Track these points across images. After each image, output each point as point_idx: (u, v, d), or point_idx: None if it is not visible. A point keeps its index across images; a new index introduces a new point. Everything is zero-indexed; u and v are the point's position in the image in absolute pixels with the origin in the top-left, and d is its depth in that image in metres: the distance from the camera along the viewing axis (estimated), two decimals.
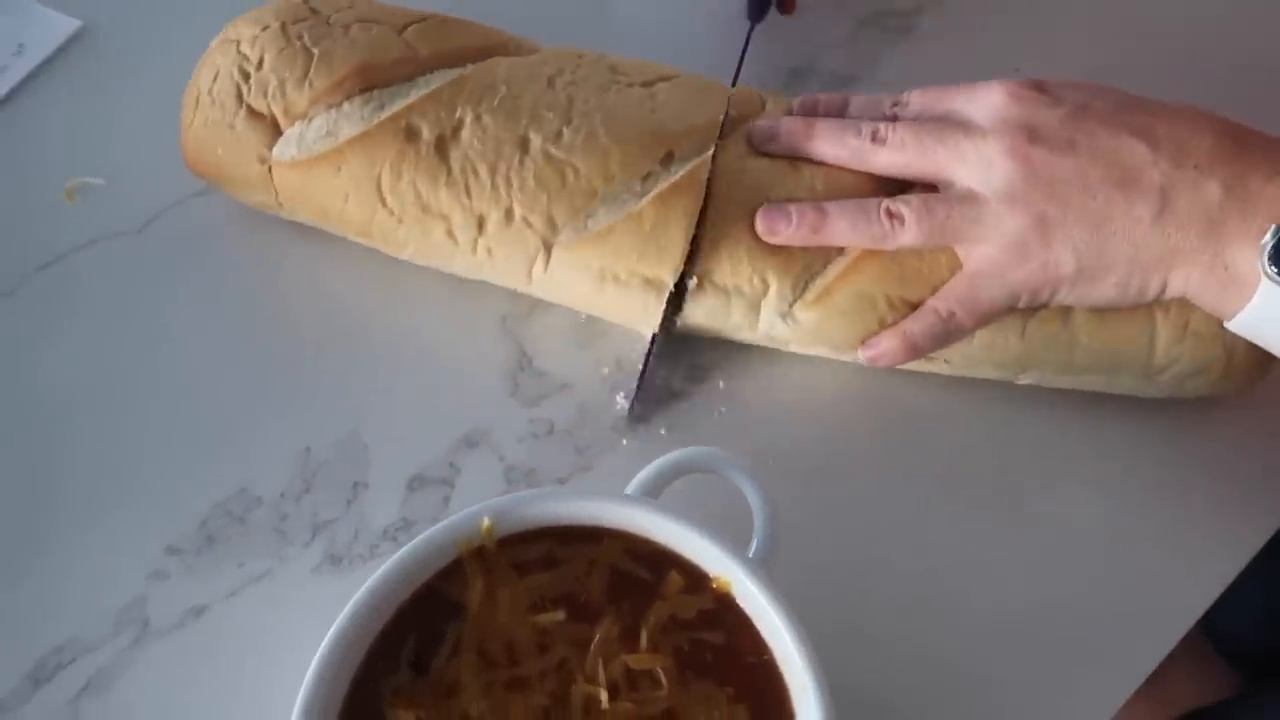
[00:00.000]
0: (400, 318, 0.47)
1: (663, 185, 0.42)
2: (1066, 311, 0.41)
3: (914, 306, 0.42)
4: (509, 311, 0.47)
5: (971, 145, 0.40)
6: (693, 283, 0.42)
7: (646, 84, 0.45)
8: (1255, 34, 0.58)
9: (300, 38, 0.45)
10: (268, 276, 0.48)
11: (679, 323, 0.44)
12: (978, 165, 0.40)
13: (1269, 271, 0.35)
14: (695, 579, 0.35)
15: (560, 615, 0.34)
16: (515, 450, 0.44)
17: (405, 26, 0.46)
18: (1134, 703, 0.40)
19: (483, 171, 0.42)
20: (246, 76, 0.44)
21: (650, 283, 0.42)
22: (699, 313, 0.43)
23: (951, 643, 0.40)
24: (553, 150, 0.43)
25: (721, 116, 0.45)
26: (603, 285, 0.43)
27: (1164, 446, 0.44)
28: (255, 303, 0.47)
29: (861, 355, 0.42)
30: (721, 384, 0.46)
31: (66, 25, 0.54)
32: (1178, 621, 0.41)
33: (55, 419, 0.44)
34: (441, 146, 0.43)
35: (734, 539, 0.35)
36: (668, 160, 0.43)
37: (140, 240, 0.49)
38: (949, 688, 0.40)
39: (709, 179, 0.43)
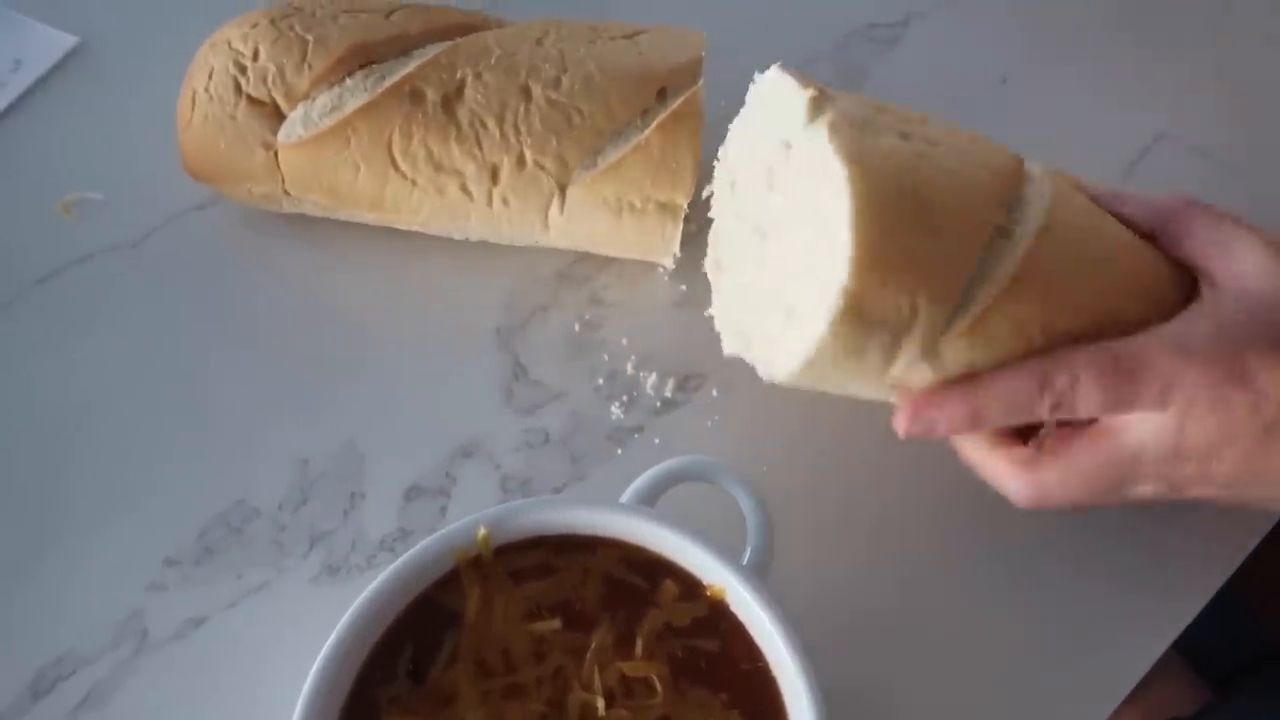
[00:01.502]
0: (396, 329, 0.47)
1: (663, 115, 0.44)
2: None
3: (1070, 337, 0.35)
4: (503, 322, 0.47)
5: (1150, 462, 0.35)
6: (833, 310, 0.33)
7: (628, 36, 0.48)
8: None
9: (292, 28, 0.46)
10: (264, 289, 0.48)
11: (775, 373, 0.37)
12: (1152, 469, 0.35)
13: None
14: (690, 587, 0.35)
15: (556, 623, 0.35)
16: (511, 460, 0.44)
17: (390, 12, 0.47)
18: (1118, 713, 0.40)
19: (490, 123, 0.44)
20: (243, 69, 0.46)
21: (665, 207, 0.45)
22: (832, 346, 0.34)
23: (943, 650, 0.41)
24: (554, 96, 0.45)
25: (702, 53, 0.47)
26: (619, 218, 0.45)
27: None
28: (252, 315, 0.48)
29: (900, 424, 0.35)
30: (715, 393, 0.46)
31: (64, 42, 0.55)
32: (1162, 635, 0.41)
33: (53, 432, 0.45)
34: (448, 104, 0.44)
35: (728, 547, 0.35)
36: (662, 96, 0.45)
37: (137, 254, 0.49)
38: (941, 695, 0.40)
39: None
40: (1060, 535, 0.43)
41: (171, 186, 0.50)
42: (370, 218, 0.47)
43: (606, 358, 0.47)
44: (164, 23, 0.56)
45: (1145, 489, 0.36)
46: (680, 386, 0.46)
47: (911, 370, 0.34)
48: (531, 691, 0.34)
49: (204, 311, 0.48)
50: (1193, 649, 0.60)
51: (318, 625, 0.34)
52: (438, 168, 0.45)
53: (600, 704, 0.33)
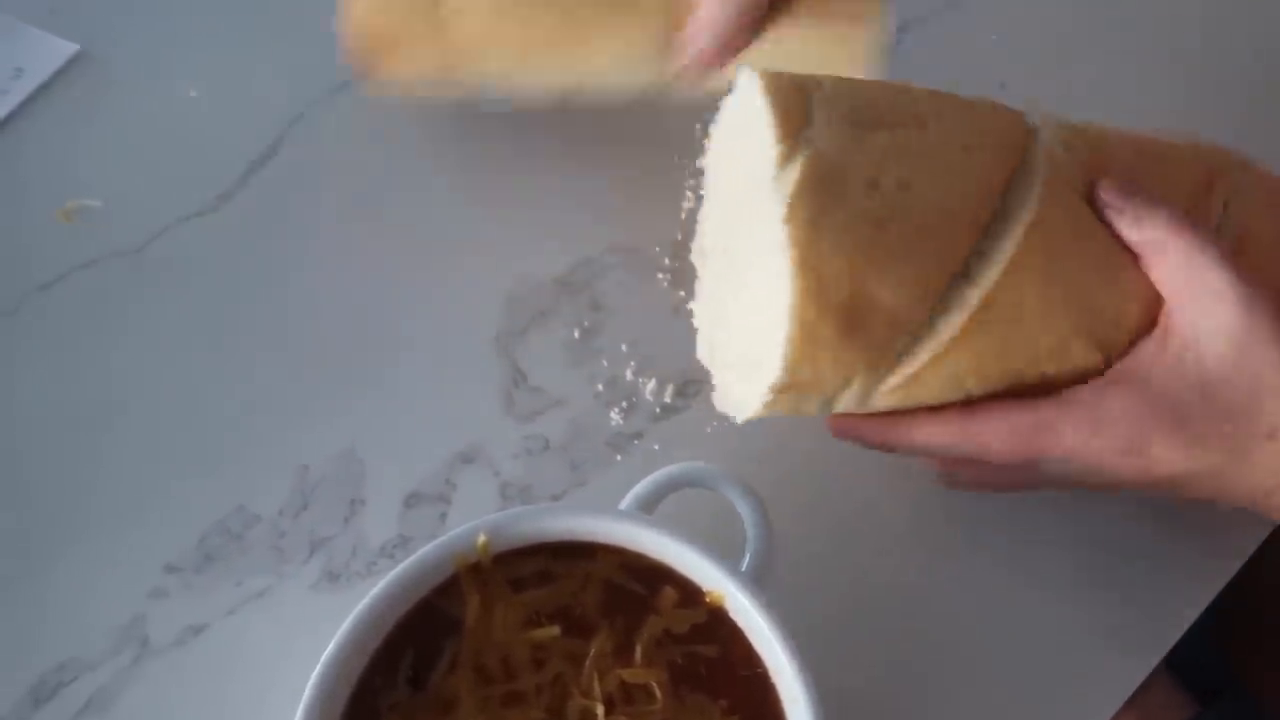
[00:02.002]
0: (396, 335, 0.47)
1: None
2: None
3: (1006, 378, 0.35)
4: (503, 329, 0.48)
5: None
6: (768, 386, 0.35)
7: None
8: (1237, 36, 0.59)
9: None
10: (264, 295, 0.48)
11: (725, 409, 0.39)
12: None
13: None
14: (689, 593, 0.35)
15: (556, 630, 0.35)
16: (511, 466, 0.44)
17: None
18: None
19: None
20: None
21: None
22: (768, 411, 0.36)
23: (941, 658, 0.41)
24: None
25: None
26: None
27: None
28: (252, 321, 0.48)
29: (829, 428, 0.38)
30: (714, 399, 0.46)
31: (65, 49, 0.55)
32: (1156, 647, 0.41)
33: (54, 437, 0.45)
34: None
35: (727, 553, 0.35)
36: None
37: (138, 260, 0.49)
38: (939, 701, 0.40)
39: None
40: (1059, 546, 0.43)
41: (173, 193, 0.51)
42: (527, 81, 0.45)
43: (606, 364, 0.47)
44: (165, 31, 0.56)
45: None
46: (680, 392, 0.46)
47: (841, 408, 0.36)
48: (531, 698, 0.34)
49: (204, 318, 0.48)
50: (1177, 660, 0.61)
51: (318, 632, 0.34)
52: None
53: (600, 710, 0.34)
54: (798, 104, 0.35)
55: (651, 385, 0.46)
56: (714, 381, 0.41)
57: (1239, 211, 0.39)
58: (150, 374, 0.46)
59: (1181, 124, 0.54)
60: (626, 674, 0.34)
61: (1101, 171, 0.37)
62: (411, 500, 0.43)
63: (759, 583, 0.35)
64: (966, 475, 0.39)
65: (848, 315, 0.34)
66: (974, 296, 0.35)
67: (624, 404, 0.46)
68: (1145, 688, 0.41)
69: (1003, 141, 0.37)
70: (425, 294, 0.48)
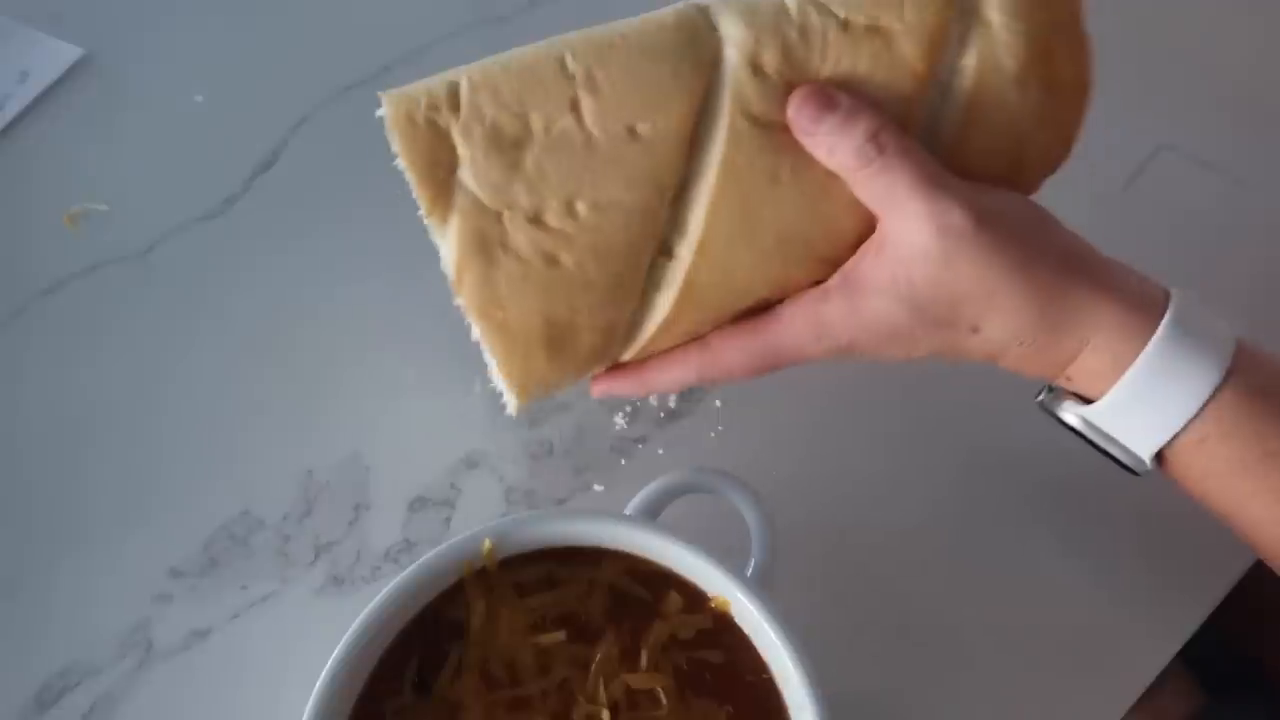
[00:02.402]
0: (401, 340, 0.47)
1: None
2: None
3: (734, 318, 0.36)
4: None
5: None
6: None
7: None
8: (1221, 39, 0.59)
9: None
10: (269, 299, 0.48)
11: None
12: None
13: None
14: (694, 599, 0.35)
15: (561, 635, 0.35)
16: (515, 471, 0.44)
17: None
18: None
19: None
20: None
21: None
22: (526, 404, 0.36)
23: (949, 661, 0.41)
24: None
25: None
26: None
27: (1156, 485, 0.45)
28: (256, 325, 0.48)
29: (596, 390, 0.38)
30: (718, 404, 0.46)
31: (69, 54, 0.55)
32: (1168, 643, 0.41)
33: (58, 443, 0.45)
34: None
35: (732, 558, 0.35)
36: None
37: (143, 265, 0.49)
38: (947, 705, 0.40)
39: None
40: (1068, 545, 0.43)
41: (177, 197, 0.51)
42: None
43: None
44: (170, 36, 0.56)
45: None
46: (684, 397, 0.46)
47: None
48: (537, 704, 0.34)
49: (209, 321, 0.48)
50: (1189, 654, 0.61)
51: (323, 637, 0.34)
52: None
53: (605, 716, 0.33)
54: (435, 140, 0.33)
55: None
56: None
57: (961, 85, 0.36)
58: (155, 378, 0.46)
59: (1187, 129, 0.55)
60: (632, 679, 0.34)
61: (796, 65, 0.35)
62: (416, 505, 0.43)
63: (764, 588, 0.35)
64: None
65: (550, 343, 0.34)
66: (678, 275, 0.34)
67: (628, 408, 0.46)
68: (1158, 683, 0.41)
69: (680, 90, 0.34)
70: (430, 298, 0.48)
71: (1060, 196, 0.51)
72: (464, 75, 0.33)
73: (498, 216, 0.33)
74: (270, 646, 0.40)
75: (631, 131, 0.33)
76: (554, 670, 0.34)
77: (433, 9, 0.58)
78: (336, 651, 0.33)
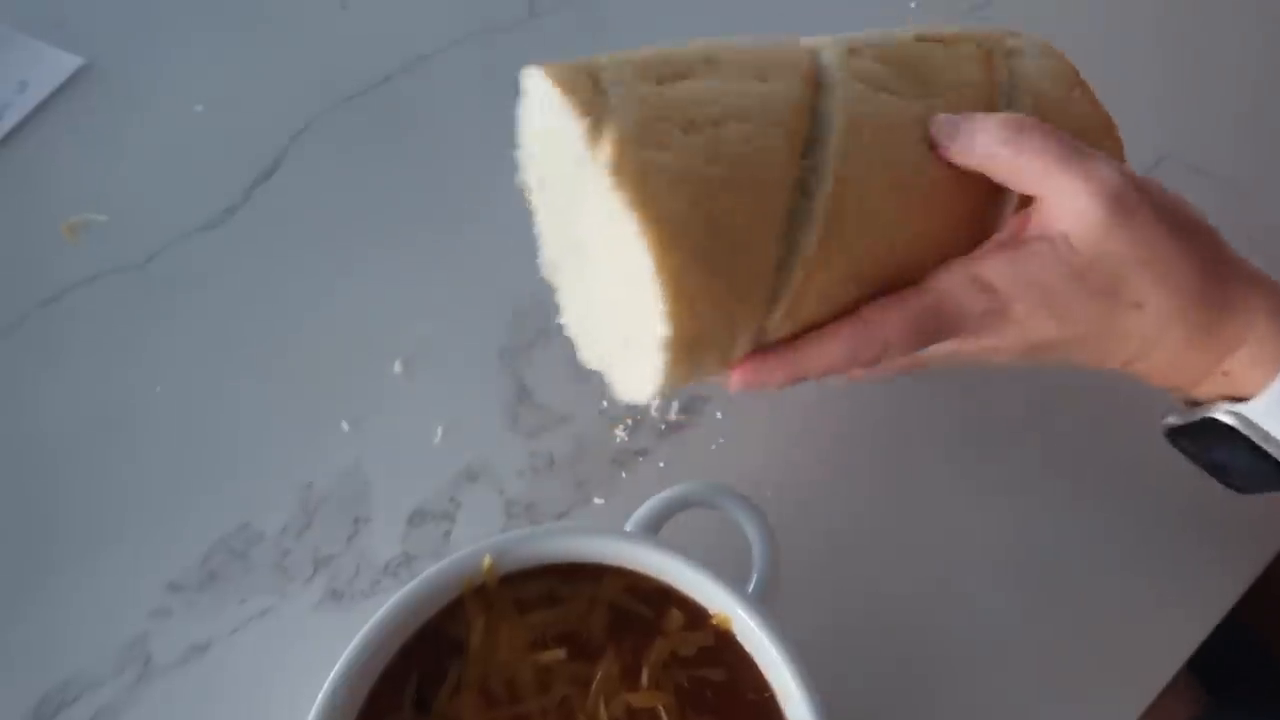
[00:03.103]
0: (401, 351, 0.47)
1: None
2: None
3: (885, 276, 0.36)
4: (508, 344, 0.47)
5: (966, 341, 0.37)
6: (660, 348, 0.34)
7: None
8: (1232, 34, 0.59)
9: None
10: (269, 309, 0.48)
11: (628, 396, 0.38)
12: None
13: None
14: (695, 616, 0.35)
15: (561, 653, 0.34)
16: (515, 484, 0.44)
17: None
18: None
19: None
20: None
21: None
22: (673, 380, 0.35)
23: (953, 676, 0.41)
24: None
25: None
26: None
27: (1159, 487, 0.45)
28: (256, 337, 0.48)
29: (732, 387, 0.36)
30: (719, 415, 0.46)
31: (69, 63, 0.55)
32: (1178, 651, 0.41)
33: (57, 454, 0.45)
34: None
35: (734, 573, 0.35)
36: None
37: (142, 275, 0.49)
38: None
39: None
40: (1072, 555, 0.43)
41: (177, 208, 0.51)
42: None
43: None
44: (169, 45, 0.56)
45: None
46: (685, 409, 0.46)
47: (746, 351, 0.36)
48: None
49: (209, 332, 0.48)
50: (1193, 655, 0.61)
51: (321, 652, 0.34)
52: None
53: None
54: (587, 81, 0.34)
55: (657, 402, 0.46)
56: (610, 379, 0.39)
57: (1023, 77, 0.40)
58: (154, 390, 0.46)
59: (1188, 139, 0.55)
60: (633, 698, 0.34)
61: (895, 69, 0.38)
62: (416, 518, 0.43)
63: (766, 605, 0.35)
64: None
65: (708, 253, 0.33)
66: (818, 208, 0.35)
67: (629, 421, 0.46)
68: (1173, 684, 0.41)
69: (790, 61, 0.37)
70: (430, 310, 0.48)
71: None
72: (599, 56, 0.36)
73: (653, 121, 0.34)
74: (269, 661, 0.40)
75: (761, 77, 0.36)
76: (554, 688, 0.34)
77: (433, 19, 0.58)
78: (336, 668, 0.33)
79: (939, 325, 0.35)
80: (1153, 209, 0.34)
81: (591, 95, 0.34)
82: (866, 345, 0.35)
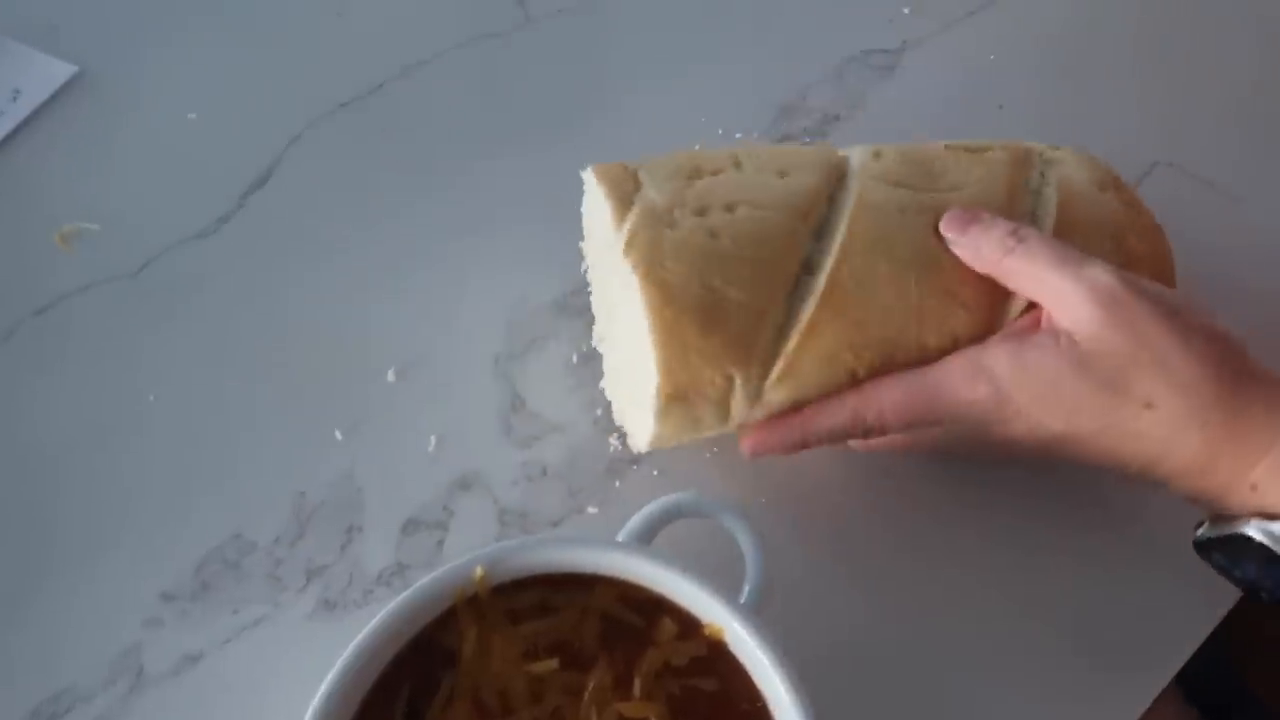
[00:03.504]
0: (394, 360, 0.47)
1: None
2: None
3: (880, 346, 0.39)
4: (502, 353, 0.47)
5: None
6: (651, 405, 0.38)
7: None
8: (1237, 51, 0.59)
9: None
10: (262, 320, 0.48)
11: (637, 446, 0.42)
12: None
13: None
14: (688, 625, 0.35)
15: (554, 663, 0.34)
16: (509, 493, 0.44)
17: None
18: None
19: None
20: None
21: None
22: (668, 428, 0.39)
23: (946, 687, 0.41)
24: None
25: None
26: None
27: (1148, 513, 0.45)
28: (249, 345, 0.48)
29: (745, 451, 0.40)
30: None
31: (63, 71, 0.55)
32: (1163, 670, 0.41)
33: (49, 464, 0.44)
34: None
35: (726, 583, 0.35)
36: None
37: (135, 284, 0.49)
38: None
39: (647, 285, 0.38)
40: (1063, 570, 0.43)
41: (169, 216, 0.51)
42: None
43: (604, 388, 0.46)
44: (163, 53, 0.56)
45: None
46: None
47: (747, 417, 0.39)
48: None
49: (202, 341, 0.48)
50: (1185, 676, 0.61)
51: (314, 662, 0.33)
52: None
53: None
54: (625, 176, 0.41)
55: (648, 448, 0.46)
56: (628, 433, 0.44)
57: (1055, 178, 0.43)
58: (147, 399, 0.46)
59: (1183, 145, 0.55)
60: (625, 708, 0.34)
61: (913, 167, 0.42)
62: (409, 527, 0.43)
63: (758, 615, 0.35)
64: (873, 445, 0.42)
65: (703, 311, 0.37)
66: (819, 281, 0.39)
67: (623, 429, 0.45)
68: (1153, 704, 0.41)
69: (816, 160, 0.42)
70: (423, 318, 0.48)
71: None
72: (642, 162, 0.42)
73: (669, 209, 0.39)
74: (261, 672, 0.40)
75: (782, 173, 0.41)
76: (546, 698, 0.34)
77: (427, 26, 0.58)
78: (327, 681, 0.33)
79: (934, 404, 0.37)
80: (1152, 308, 0.35)
81: (625, 186, 0.40)
82: (865, 411, 0.38)
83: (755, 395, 0.38)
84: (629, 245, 0.38)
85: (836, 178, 0.41)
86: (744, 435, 0.40)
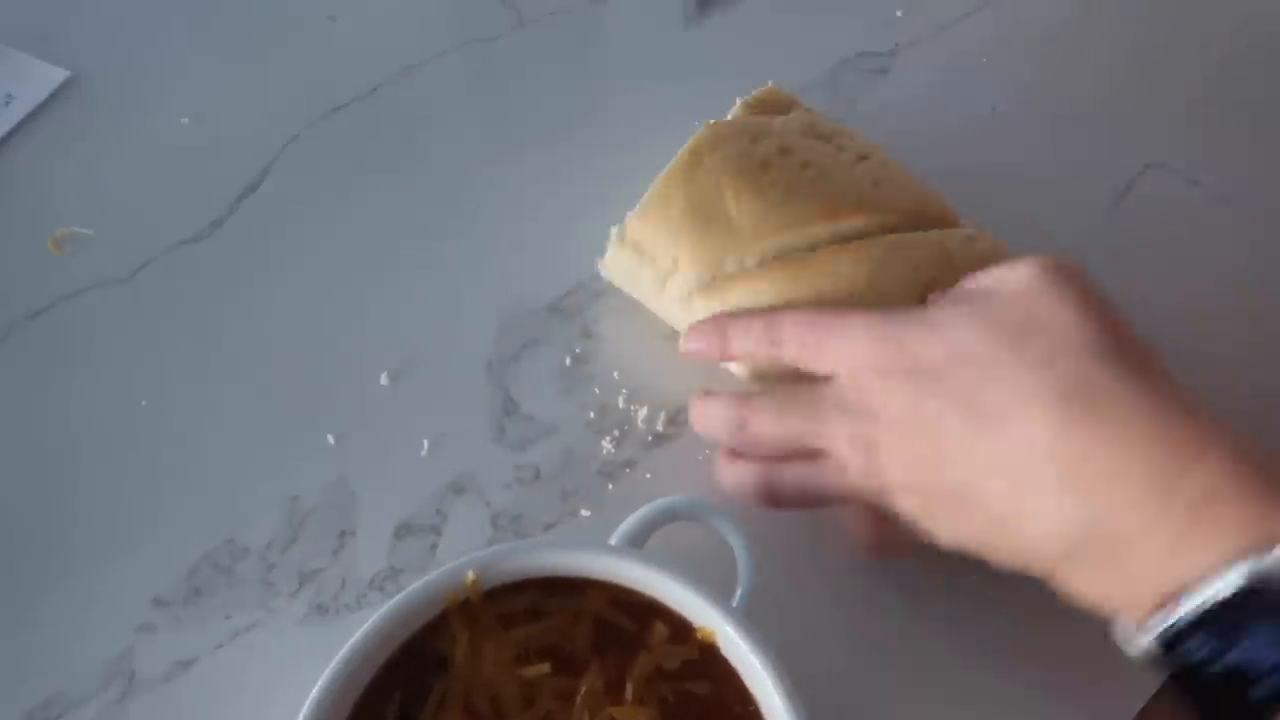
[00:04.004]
0: (387, 364, 0.47)
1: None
2: None
3: None
4: (495, 356, 0.47)
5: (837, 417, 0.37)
6: (615, 230, 0.45)
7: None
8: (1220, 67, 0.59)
9: None
10: (255, 324, 0.48)
11: (600, 269, 0.48)
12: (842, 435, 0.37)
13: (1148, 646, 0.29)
14: (680, 629, 0.35)
15: (545, 668, 0.34)
16: (502, 496, 0.44)
17: None
18: None
19: None
20: None
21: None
22: (616, 263, 0.46)
23: (938, 691, 0.41)
24: None
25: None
26: None
27: None
28: (242, 350, 0.47)
29: (682, 345, 0.43)
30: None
31: (55, 76, 0.55)
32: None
33: (41, 469, 0.44)
34: None
35: (718, 587, 0.35)
36: None
37: (129, 288, 0.49)
38: None
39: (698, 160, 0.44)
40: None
41: (163, 221, 0.51)
42: None
43: (598, 391, 0.47)
44: (156, 58, 0.56)
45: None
46: (672, 420, 0.46)
47: (677, 318, 0.45)
48: None
49: (195, 346, 0.48)
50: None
51: (307, 666, 0.33)
52: None
53: None
54: (781, 99, 0.48)
55: (644, 413, 0.46)
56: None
57: None
58: (139, 403, 0.46)
59: (1175, 147, 0.55)
60: (617, 712, 0.34)
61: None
62: (401, 531, 0.43)
63: (751, 618, 0.35)
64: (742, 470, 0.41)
65: (698, 203, 0.43)
66: (810, 261, 0.42)
67: (616, 432, 0.46)
68: (1152, 707, 0.41)
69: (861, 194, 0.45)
70: (416, 322, 0.48)
71: (1048, 214, 0.51)
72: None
73: (767, 126, 0.46)
74: (254, 677, 0.40)
75: (864, 168, 0.46)
76: (538, 703, 0.34)
77: (419, 30, 0.58)
78: (319, 684, 0.33)
79: (829, 324, 0.38)
80: (1079, 291, 0.34)
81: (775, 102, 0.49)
82: (773, 327, 0.39)
83: (684, 293, 0.44)
84: (712, 127, 0.45)
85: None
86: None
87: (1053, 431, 0.29)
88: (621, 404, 0.46)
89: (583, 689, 0.34)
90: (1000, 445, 0.31)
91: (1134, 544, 0.28)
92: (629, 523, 0.37)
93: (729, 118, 0.47)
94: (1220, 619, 0.25)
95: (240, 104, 0.55)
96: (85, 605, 0.41)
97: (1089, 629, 0.41)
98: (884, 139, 0.48)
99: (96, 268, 0.49)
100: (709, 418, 0.41)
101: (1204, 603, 0.26)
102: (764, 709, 0.34)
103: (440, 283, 0.49)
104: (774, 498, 0.39)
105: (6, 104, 0.54)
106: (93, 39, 0.57)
